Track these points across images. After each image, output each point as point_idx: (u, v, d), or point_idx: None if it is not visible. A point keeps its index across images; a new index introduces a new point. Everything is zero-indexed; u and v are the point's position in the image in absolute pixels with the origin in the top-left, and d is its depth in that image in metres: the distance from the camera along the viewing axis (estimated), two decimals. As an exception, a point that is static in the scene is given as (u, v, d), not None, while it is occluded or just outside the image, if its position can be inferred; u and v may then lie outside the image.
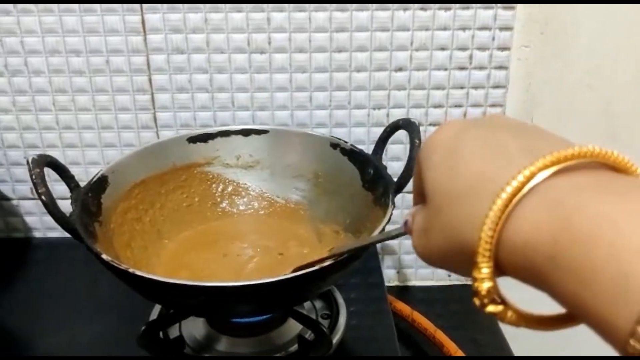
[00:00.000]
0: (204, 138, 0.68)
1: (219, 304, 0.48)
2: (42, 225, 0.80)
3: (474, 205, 0.26)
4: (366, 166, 0.62)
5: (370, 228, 0.58)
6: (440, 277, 0.84)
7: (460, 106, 0.74)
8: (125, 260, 0.57)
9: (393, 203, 0.55)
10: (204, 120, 0.74)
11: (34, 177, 0.50)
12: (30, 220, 0.80)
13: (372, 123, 0.74)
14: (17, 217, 0.79)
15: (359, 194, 0.62)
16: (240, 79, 0.72)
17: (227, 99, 0.73)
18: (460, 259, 0.27)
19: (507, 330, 0.77)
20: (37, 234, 0.80)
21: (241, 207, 0.69)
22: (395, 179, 0.58)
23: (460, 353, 0.66)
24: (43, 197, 0.50)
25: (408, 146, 0.74)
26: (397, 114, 0.74)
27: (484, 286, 0.25)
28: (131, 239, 0.60)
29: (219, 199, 0.69)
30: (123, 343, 0.60)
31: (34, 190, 0.50)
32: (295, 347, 0.58)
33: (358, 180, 0.63)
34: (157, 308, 0.63)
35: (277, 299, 0.49)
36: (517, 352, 0.73)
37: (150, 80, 0.72)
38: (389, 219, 0.53)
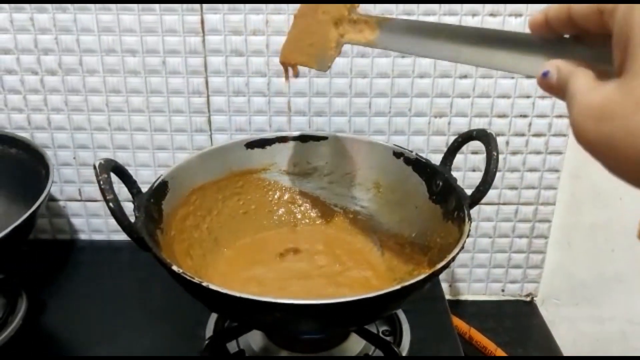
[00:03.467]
0: (262, 144, 0.66)
1: (292, 320, 0.46)
2: (88, 227, 0.78)
3: None
4: (434, 177, 0.60)
5: (441, 243, 0.56)
6: (493, 292, 0.81)
7: (525, 116, 0.71)
8: (186, 269, 0.55)
9: (470, 218, 0.52)
10: (259, 125, 0.72)
11: (101, 182, 0.48)
12: (76, 222, 0.78)
13: (433, 131, 0.72)
14: (63, 219, 0.78)
15: (425, 207, 0.60)
16: (298, 83, 0.70)
17: (284, 104, 0.71)
18: None
19: (566, 347, 0.74)
20: (83, 236, 0.79)
21: (298, 216, 0.67)
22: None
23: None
24: (111, 205, 0.48)
25: (468, 157, 0.73)
26: (459, 123, 0.71)
27: None
28: (190, 247, 0.58)
29: (275, 207, 0.67)
30: (180, 354, 0.58)
31: (100, 195, 0.48)
32: (360, 365, 0.56)
33: (424, 192, 0.60)
34: (213, 317, 0.61)
35: (355, 316, 0.47)
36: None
37: (206, 82, 0.70)
38: (468, 234, 0.50)
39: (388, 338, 0.59)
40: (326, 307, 0.43)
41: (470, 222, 0.52)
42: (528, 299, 0.81)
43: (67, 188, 0.76)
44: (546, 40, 0.28)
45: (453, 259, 0.48)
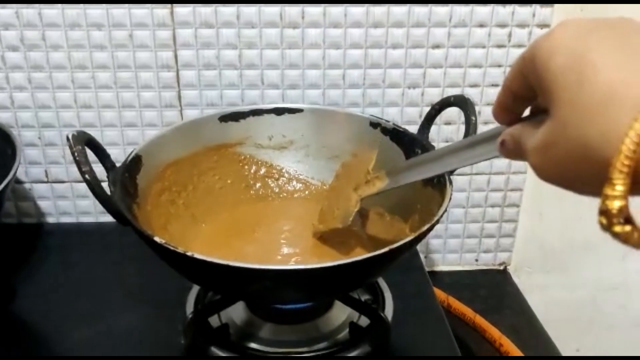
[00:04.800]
0: (236, 117, 0.64)
1: (280, 288, 0.45)
2: (55, 210, 0.75)
3: (611, 117, 0.24)
4: (412, 146, 0.60)
5: (421, 209, 0.56)
6: (467, 262, 0.82)
7: (496, 85, 0.72)
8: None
9: (451, 182, 0.52)
10: (231, 99, 0.71)
11: (76, 154, 0.46)
12: (43, 204, 0.75)
13: (407, 103, 0.72)
14: (29, 202, 0.75)
15: (404, 175, 0.60)
16: (270, 55, 0.68)
17: (257, 77, 0.70)
18: (587, 175, 0.25)
19: (540, 314, 0.75)
20: (50, 220, 0.76)
21: (275, 190, 0.66)
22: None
23: (505, 339, 0.64)
24: (87, 177, 0.46)
25: (442, 127, 0.73)
26: (432, 94, 0.71)
27: (615, 204, 0.23)
28: (167, 222, 0.57)
29: (251, 181, 0.66)
30: (162, 333, 0.57)
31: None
32: (345, 334, 0.55)
33: (402, 160, 0.60)
34: (192, 295, 0.59)
35: (343, 281, 0.46)
36: (551, 334, 0.71)
37: (175, 56, 0.68)
38: (450, 198, 0.51)
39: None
40: (315, 272, 0.42)
41: (452, 186, 0.52)
42: (501, 267, 0.83)
43: (32, 170, 0.73)
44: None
45: (437, 221, 0.48)
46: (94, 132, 0.69)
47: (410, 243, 0.46)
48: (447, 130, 0.73)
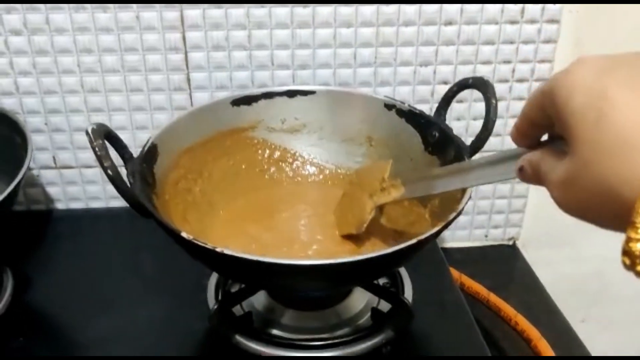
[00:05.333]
0: (248, 100, 0.63)
1: (308, 280, 0.45)
2: (64, 196, 0.75)
3: (630, 158, 0.24)
4: (429, 128, 0.59)
5: (442, 194, 0.55)
6: (476, 238, 0.83)
7: (509, 62, 0.71)
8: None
9: (472, 166, 0.52)
10: (241, 81, 0.69)
11: (97, 149, 0.45)
12: (52, 191, 0.74)
13: (418, 81, 0.71)
14: (38, 188, 0.74)
15: (421, 159, 0.59)
16: (281, 35, 0.67)
17: (267, 57, 0.68)
18: (609, 213, 0.26)
19: (547, 287, 0.76)
20: (60, 206, 0.75)
21: (290, 174, 0.66)
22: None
23: (520, 317, 0.65)
24: (109, 172, 0.45)
25: (453, 106, 0.72)
26: (444, 71, 0.71)
27: (638, 247, 0.24)
28: (185, 211, 0.56)
29: (265, 166, 0.65)
30: (184, 322, 0.57)
31: (96, 162, 0.45)
32: (366, 319, 0.56)
33: (419, 143, 0.60)
34: (212, 281, 0.59)
35: (369, 272, 0.47)
36: (563, 310, 0.72)
37: (184, 37, 0.66)
38: (473, 184, 0.50)
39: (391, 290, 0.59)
40: (343, 266, 0.42)
41: (473, 170, 0.52)
42: (510, 242, 0.83)
43: (40, 156, 0.72)
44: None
45: (462, 210, 0.48)
46: (101, 117, 0.69)
47: (436, 233, 0.46)
48: (460, 108, 0.72)
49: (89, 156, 0.72)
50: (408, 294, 0.58)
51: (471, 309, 0.67)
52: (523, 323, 0.64)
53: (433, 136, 0.59)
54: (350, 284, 0.51)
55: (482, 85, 0.55)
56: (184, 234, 0.44)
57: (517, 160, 0.33)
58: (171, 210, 0.54)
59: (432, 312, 0.59)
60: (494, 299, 0.68)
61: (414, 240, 0.43)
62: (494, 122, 0.54)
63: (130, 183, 0.49)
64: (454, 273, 0.72)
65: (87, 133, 0.46)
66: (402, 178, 0.53)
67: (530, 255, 0.84)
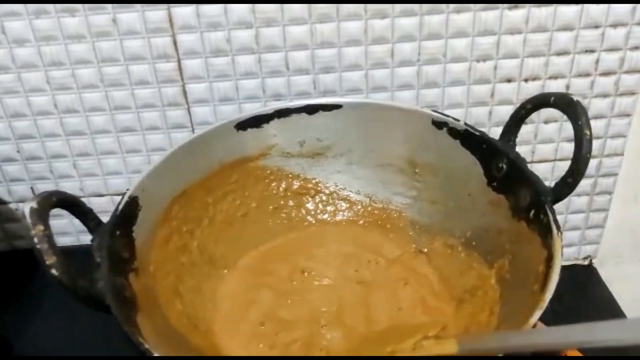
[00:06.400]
0: (257, 122, 0.50)
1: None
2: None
3: None
4: (493, 157, 0.45)
5: (514, 252, 0.42)
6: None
7: (592, 51, 0.55)
8: (176, 318, 0.41)
9: (558, 226, 0.38)
10: (249, 91, 0.55)
11: (36, 240, 0.33)
12: (35, 225, 0.63)
13: (474, 80, 0.56)
14: (18, 223, 0.63)
15: (483, 196, 0.45)
16: (296, 32, 0.53)
17: (280, 61, 0.54)
18: None
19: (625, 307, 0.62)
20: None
21: (312, 211, 0.52)
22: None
23: None
24: (54, 271, 0.33)
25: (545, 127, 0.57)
26: (507, 67, 0.55)
27: None
28: (178, 280, 0.44)
29: (282, 202, 0.52)
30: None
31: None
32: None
33: (480, 175, 0.46)
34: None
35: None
36: None
37: (174, 41, 0.52)
38: (562, 252, 0.36)
39: None
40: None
41: (561, 234, 0.37)
42: (586, 262, 0.69)
43: (15, 188, 0.60)
44: None
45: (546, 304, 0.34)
46: (82, 142, 0.56)
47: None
48: (523, 132, 0.56)
49: (74, 185, 0.60)
50: None
51: None
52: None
53: (499, 169, 0.44)
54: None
55: (568, 106, 0.40)
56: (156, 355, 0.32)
57: None
58: (157, 287, 0.41)
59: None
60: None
61: None
62: (588, 160, 0.39)
63: (96, 263, 0.37)
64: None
65: (23, 215, 0.34)
66: (459, 338, 0.36)
67: (608, 272, 0.69)
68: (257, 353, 0.42)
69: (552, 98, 0.41)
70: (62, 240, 0.64)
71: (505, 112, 0.56)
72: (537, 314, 0.33)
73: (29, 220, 0.33)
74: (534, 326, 0.33)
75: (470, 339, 0.35)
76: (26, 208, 0.33)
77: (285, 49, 0.53)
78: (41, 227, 0.33)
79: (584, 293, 0.67)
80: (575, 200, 0.64)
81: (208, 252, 0.47)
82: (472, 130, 0.46)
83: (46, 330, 0.56)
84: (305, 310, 0.44)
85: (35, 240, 0.33)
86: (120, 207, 0.41)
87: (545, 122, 0.58)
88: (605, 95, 0.57)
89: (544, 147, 0.60)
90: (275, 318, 0.43)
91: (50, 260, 0.33)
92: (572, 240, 0.67)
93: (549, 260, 0.36)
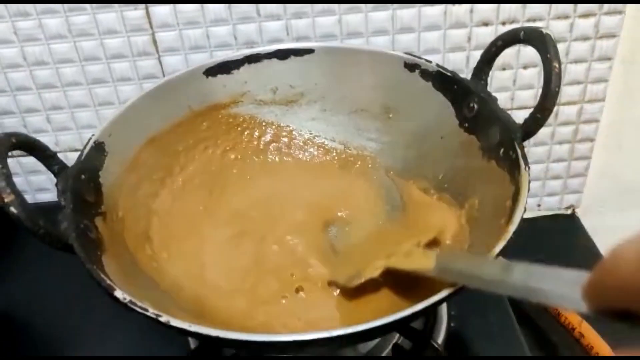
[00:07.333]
0: (226, 68, 0.49)
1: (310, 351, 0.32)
2: (29, 186, 0.63)
3: None
4: (465, 97, 0.44)
5: (483, 192, 0.41)
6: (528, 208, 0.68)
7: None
8: (145, 263, 0.41)
9: (526, 162, 0.37)
10: (220, 39, 0.54)
11: (-8, 178, 0.32)
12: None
13: (450, 24, 0.55)
14: (-5, 180, 0.62)
15: (454, 138, 0.45)
16: (266, -24, 0.51)
17: (251, 7, 0.53)
18: None
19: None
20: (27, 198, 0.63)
21: (286, 158, 0.52)
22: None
23: (586, 327, 0.51)
24: (12, 209, 0.32)
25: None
26: (483, 10, 0.54)
27: None
28: (148, 226, 0.44)
29: (255, 150, 0.51)
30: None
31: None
32: (388, 352, 0.43)
33: (452, 116, 0.45)
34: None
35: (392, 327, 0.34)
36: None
37: (141, -12, 0.51)
38: (528, 189, 0.36)
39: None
40: (355, 335, 0.29)
41: (529, 169, 0.37)
42: (569, 211, 0.69)
43: (-11, 143, 0.59)
44: None
45: (513, 233, 0.34)
46: (55, 95, 0.55)
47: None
48: (503, 77, 0.56)
49: (49, 139, 0.59)
50: (441, 321, 0.45)
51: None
52: (589, 334, 0.51)
53: (471, 108, 0.44)
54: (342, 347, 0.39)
55: (537, 40, 0.39)
56: (117, 294, 0.31)
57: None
58: (126, 232, 0.41)
59: (475, 335, 0.46)
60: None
61: (440, 296, 0.30)
62: (556, 94, 0.38)
63: (61, 206, 0.37)
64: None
65: (-21, 155, 0.33)
66: (439, 253, 0.36)
67: (591, 222, 0.69)
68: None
69: (522, 33, 0.40)
70: (42, 197, 0.64)
71: (483, 56, 0.55)
72: (501, 244, 0.33)
73: (-16, 159, 0.33)
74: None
75: (447, 257, 0.35)
76: (-18, 147, 0.33)
77: (255, -6, 0.52)
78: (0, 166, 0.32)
79: (566, 243, 0.66)
80: (556, 148, 0.63)
81: (180, 201, 0.47)
82: (445, 72, 0.45)
83: (20, 284, 0.55)
84: (280, 276, 0.43)
85: (-8, 178, 0.32)
86: (86, 151, 0.40)
87: (524, 68, 0.57)
88: (585, 38, 0.56)
89: (523, 94, 0.59)
90: (252, 292, 0.42)
91: (8, 198, 0.32)
92: (554, 189, 0.66)
93: (516, 194, 0.36)
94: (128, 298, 0.31)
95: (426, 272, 0.34)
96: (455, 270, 0.33)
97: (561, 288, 0.24)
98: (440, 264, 0.34)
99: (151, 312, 0.30)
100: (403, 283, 0.39)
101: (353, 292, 0.40)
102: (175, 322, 0.30)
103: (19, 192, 0.33)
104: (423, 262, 0.35)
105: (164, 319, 0.30)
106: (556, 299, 0.25)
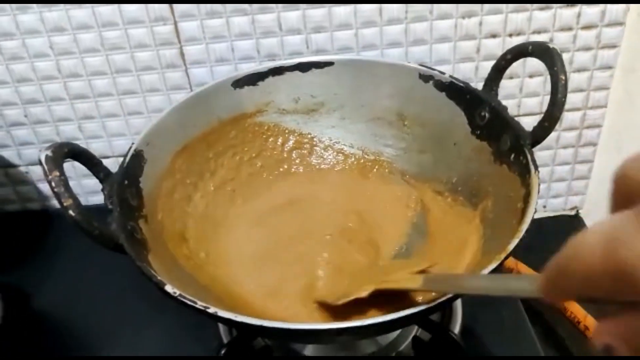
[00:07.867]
0: (252, 80, 0.52)
1: (331, 340, 0.36)
2: (81, 190, 0.66)
3: None
4: (476, 106, 0.47)
5: (495, 194, 0.45)
6: (532, 209, 0.71)
7: (573, 4, 0.57)
8: (184, 261, 0.44)
9: (536, 166, 0.41)
10: (244, 52, 0.58)
11: (53, 184, 0.36)
12: (44, 187, 0.66)
13: (460, 36, 0.58)
14: (29, 185, 0.65)
15: (467, 144, 0.48)
16: (288, -7, 0.55)
17: (273, 21, 0.56)
18: None
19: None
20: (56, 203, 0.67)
21: (308, 164, 0.55)
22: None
23: (591, 320, 0.55)
24: (71, 212, 0.36)
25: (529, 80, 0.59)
26: (492, 22, 0.57)
27: None
28: (184, 227, 0.47)
29: (278, 156, 0.55)
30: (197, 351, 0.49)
31: (56, 200, 0.36)
32: (406, 346, 0.47)
33: (464, 125, 0.48)
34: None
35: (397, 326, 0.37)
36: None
37: (171, 5, 0.55)
38: (538, 191, 0.39)
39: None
40: (384, 324, 0.33)
41: (538, 172, 0.40)
42: (573, 212, 0.72)
43: (25, 151, 0.63)
44: None
45: (524, 234, 0.37)
46: (87, 105, 0.59)
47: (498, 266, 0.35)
48: (510, 85, 0.59)
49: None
50: (457, 314, 0.48)
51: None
52: (594, 327, 0.54)
53: (482, 117, 0.47)
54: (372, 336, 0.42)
55: (545, 53, 0.42)
56: (168, 288, 0.35)
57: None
58: (165, 233, 0.44)
59: (487, 331, 0.49)
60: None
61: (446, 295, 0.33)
62: (563, 104, 0.41)
63: (108, 209, 0.40)
64: (509, 262, 0.62)
65: (39, 162, 0.36)
66: (425, 276, 0.37)
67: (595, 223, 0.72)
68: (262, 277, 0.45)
69: (530, 47, 0.43)
70: (92, 200, 0.66)
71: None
72: (514, 242, 0.36)
73: (45, 167, 0.36)
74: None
75: (433, 278, 0.36)
76: (42, 156, 0.36)
77: (277, 9, 0.55)
78: (57, 173, 0.36)
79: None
80: (561, 152, 0.66)
81: (212, 204, 0.50)
82: (457, 82, 0.48)
83: (60, 285, 0.59)
84: (308, 260, 0.47)
85: (53, 184, 0.36)
86: (127, 159, 0.44)
87: (530, 77, 0.61)
88: (587, 49, 0.59)
89: (530, 101, 0.62)
90: (281, 278, 0.46)
91: (67, 202, 0.35)
92: (558, 191, 0.70)
93: (527, 196, 0.39)
94: (178, 292, 0.34)
95: (412, 289, 0.37)
96: (439, 284, 0.35)
97: (521, 282, 0.26)
98: (426, 282, 0.35)
99: (200, 304, 0.34)
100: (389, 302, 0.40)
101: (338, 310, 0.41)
102: (222, 313, 0.33)
103: (75, 197, 0.36)
104: (410, 283, 0.37)
105: (211, 310, 0.33)
106: (513, 292, 0.27)
